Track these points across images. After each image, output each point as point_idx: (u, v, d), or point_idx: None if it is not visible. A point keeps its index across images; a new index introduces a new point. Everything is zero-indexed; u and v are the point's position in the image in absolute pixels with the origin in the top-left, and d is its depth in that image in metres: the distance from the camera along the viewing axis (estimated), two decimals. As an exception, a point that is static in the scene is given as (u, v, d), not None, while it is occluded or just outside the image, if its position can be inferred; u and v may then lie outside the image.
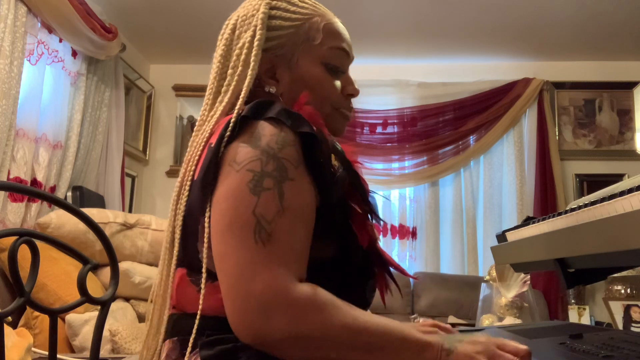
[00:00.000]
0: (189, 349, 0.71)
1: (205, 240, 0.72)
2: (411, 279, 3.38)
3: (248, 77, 0.80)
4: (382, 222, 0.89)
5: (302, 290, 0.65)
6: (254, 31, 0.82)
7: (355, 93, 0.90)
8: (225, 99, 0.81)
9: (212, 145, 0.74)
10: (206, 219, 0.72)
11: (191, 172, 0.78)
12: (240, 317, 0.64)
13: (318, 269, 0.71)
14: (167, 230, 0.81)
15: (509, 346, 0.68)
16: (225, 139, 0.72)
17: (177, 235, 0.77)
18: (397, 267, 0.86)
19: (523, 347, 0.67)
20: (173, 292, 0.79)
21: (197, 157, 0.78)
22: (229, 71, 0.83)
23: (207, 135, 0.78)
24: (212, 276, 0.73)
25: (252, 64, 0.80)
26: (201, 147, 0.78)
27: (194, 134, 0.83)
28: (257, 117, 0.74)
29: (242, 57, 0.81)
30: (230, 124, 0.73)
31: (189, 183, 0.78)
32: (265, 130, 0.72)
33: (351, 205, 0.77)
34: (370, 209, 0.80)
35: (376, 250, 0.81)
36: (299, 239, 0.69)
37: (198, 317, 0.71)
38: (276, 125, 0.72)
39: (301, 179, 0.71)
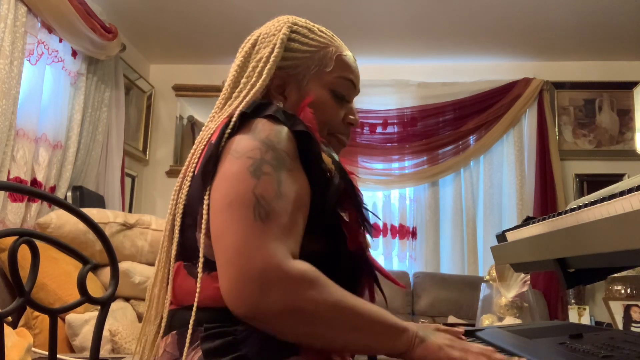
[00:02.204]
0: (187, 343, 0.72)
1: (204, 226, 0.75)
2: (411, 279, 3.38)
3: (258, 86, 0.85)
4: (373, 235, 0.93)
5: (296, 266, 0.68)
6: (273, 48, 0.88)
7: (355, 123, 0.96)
8: (235, 104, 0.86)
9: (213, 142, 0.78)
10: (205, 204, 0.75)
11: (193, 166, 0.82)
12: (236, 291, 0.66)
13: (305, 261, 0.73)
14: (167, 219, 0.84)
15: (480, 347, 0.73)
16: (228, 132, 0.77)
17: (178, 222, 0.80)
18: (388, 276, 0.90)
19: (499, 356, 0.70)
20: (171, 287, 0.81)
21: (199, 153, 0.82)
22: (243, 80, 0.88)
23: (210, 132, 0.83)
24: (209, 266, 0.74)
25: (264, 75, 0.86)
26: (204, 144, 0.82)
27: (201, 132, 0.88)
28: (256, 115, 0.78)
29: (258, 69, 0.87)
30: (232, 121, 0.78)
31: (190, 175, 0.81)
32: (264, 125, 0.77)
33: (344, 211, 0.80)
34: (363, 218, 0.83)
35: (365, 258, 0.84)
36: (295, 221, 0.72)
37: (195, 306, 0.72)
38: (274, 122, 0.77)
39: (297, 171, 0.76)
